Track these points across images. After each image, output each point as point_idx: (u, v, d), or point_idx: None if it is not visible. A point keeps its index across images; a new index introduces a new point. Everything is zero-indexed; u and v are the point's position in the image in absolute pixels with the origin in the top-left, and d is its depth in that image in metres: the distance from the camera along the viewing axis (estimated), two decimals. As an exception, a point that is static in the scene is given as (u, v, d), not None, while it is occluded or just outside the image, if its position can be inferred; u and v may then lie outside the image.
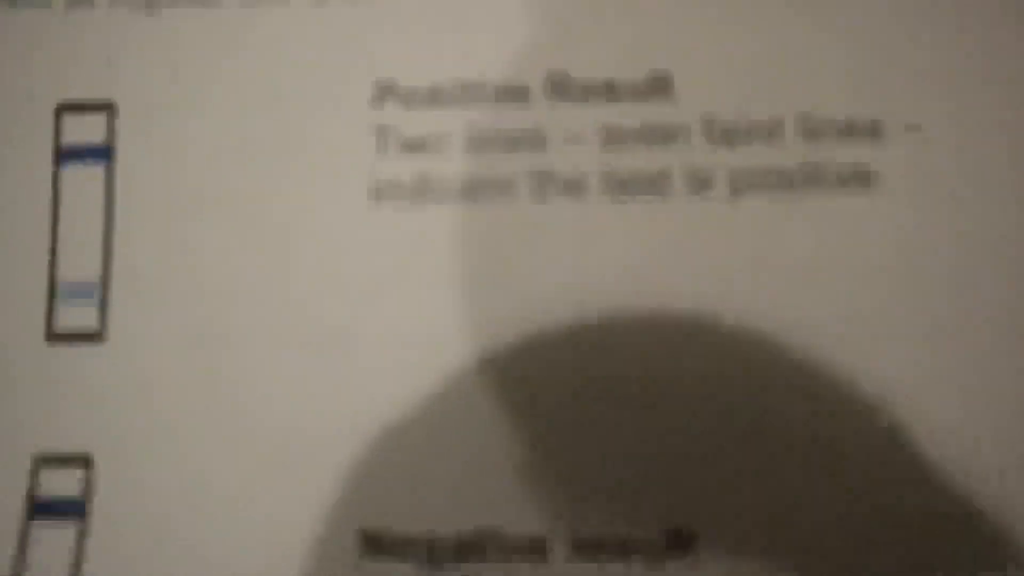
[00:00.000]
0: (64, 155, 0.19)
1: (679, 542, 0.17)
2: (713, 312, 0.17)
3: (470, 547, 0.17)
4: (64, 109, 0.19)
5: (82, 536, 0.18)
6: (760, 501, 0.17)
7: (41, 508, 0.18)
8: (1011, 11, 0.18)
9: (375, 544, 0.17)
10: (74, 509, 0.18)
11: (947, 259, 0.18)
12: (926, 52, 0.18)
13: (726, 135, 0.18)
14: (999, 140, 0.18)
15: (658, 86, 0.18)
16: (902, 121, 0.18)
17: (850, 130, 0.18)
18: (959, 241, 0.18)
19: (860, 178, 0.18)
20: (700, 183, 0.18)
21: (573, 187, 0.18)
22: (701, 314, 0.17)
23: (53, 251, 0.19)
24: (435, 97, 0.18)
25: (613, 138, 0.18)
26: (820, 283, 0.18)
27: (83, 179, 0.19)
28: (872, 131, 0.18)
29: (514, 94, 0.18)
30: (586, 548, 0.17)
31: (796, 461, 0.17)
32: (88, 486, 0.18)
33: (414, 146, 0.18)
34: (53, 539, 0.18)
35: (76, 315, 0.19)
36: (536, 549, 0.17)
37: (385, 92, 0.19)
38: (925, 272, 0.18)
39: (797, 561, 0.17)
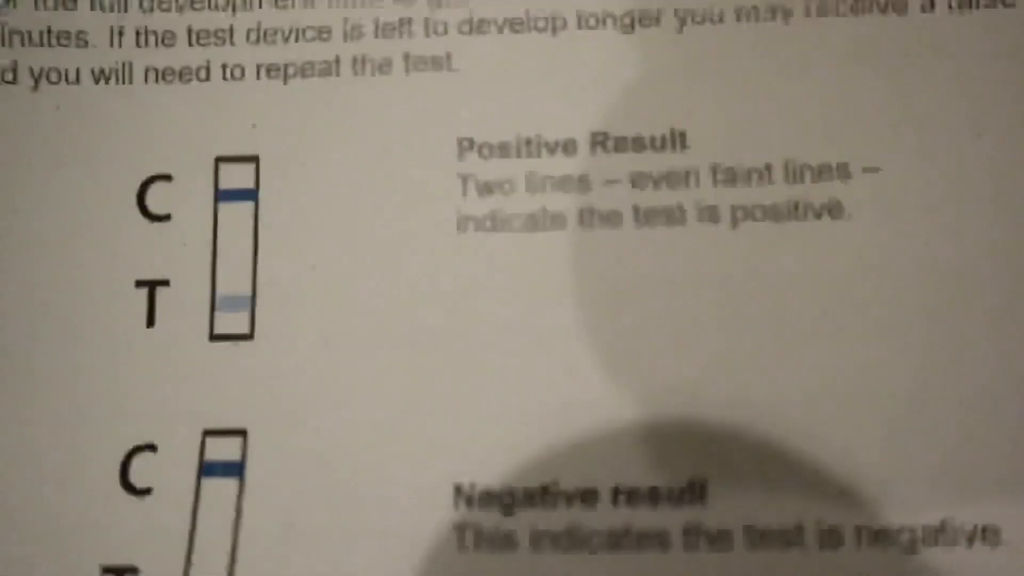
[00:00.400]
0: (222, 195, 0.22)
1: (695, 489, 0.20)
2: (719, 316, 0.20)
3: (535, 497, 0.20)
4: (221, 160, 0.22)
5: (241, 491, 0.21)
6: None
7: (209, 469, 0.21)
8: (951, 70, 0.21)
9: (465, 495, 0.20)
10: (234, 470, 0.21)
11: (903, 275, 0.20)
12: (884, 104, 0.21)
13: (728, 177, 0.21)
14: (946, 176, 0.21)
15: (675, 140, 0.21)
16: (864, 163, 0.21)
17: (824, 172, 0.21)
18: (914, 260, 0.20)
19: (833, 210, 0.21)
20: (709, 215, 0.21)
21: (611, 219, 0.21)
22: (710, 318, 0.21)
23: (214, 270, 0.22)
24: (504, 150, 0.21)
25: (641, 181, 0.21)
26: (802, 292, 0.20)
27: (236, 214, 0.22)
28: (841, 172, 0.21)
29: (565, 147, 0.21)
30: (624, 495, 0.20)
31: (788, 435, 0.20)
32: (244, 452, 0.21)
33: (488, 189, 0.21)
34: (219, 493, 0.21)
35: (232, 321, 0.21)
36: (587, 498, 0.20)
37: (466, 147, 0.21)
38: (885, 284, 0.20)
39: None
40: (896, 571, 0.20)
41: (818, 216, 0.21)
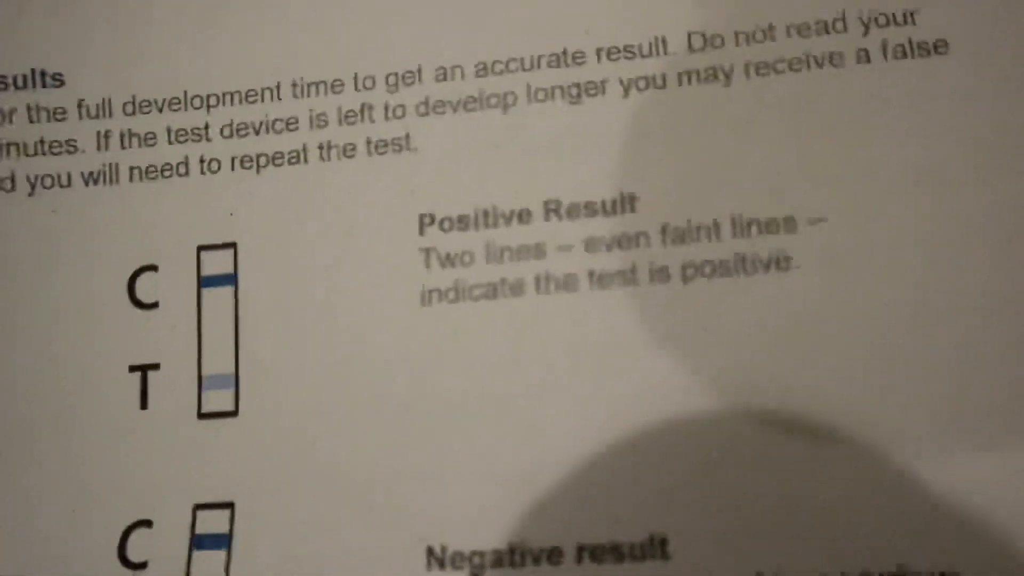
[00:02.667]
0: (204, 282, 0.22)
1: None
2: (674, 373, 0.20)
3: (502, 558, 0.20)
4: (203, 248, 0.22)
5: (228, 562, 0.21)
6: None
7: (199, 543, 0.21)
8: (889, 119, 0.21)
9: (436, 557, 0.20)
10: (223, 542, 0.21)
11: (851, 323, 0.20)
12: (827, 156, 0.21)
13: (677, 236, 0.21)
14: (890, 225, 0.20)
15: (625, 203, 0.21)
16: (810, 215, 0.20)
17: (770, 225, 0.21)
18: (860, 309, 0.20)
19: (780, 262, 0.20)
20: (660, 275, 0.21)
21: (566, 284, 0.21)
22: (665, 375, 0.20)
23: (200, 352, 0.22)
24: (463, 223, 0.22)
25: (594, 245, 0.21)
26: (751, 344, 0.20)
27: (218, 298, 0.22)
28: (787, 225, 0.21)
29: (520, 217, 0.21)
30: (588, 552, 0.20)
31: (745, 480, 0.20)
32: (232, 524, 0.21)
33: (450, 261, 0.22)
34: (209, 565, 0.21)
35: (218, 399, 0.22)
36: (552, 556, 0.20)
37: (427, 222, 0.22)
38: (832, 333, 0.20)
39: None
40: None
41: (766, 269, 0.21)
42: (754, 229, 0.21)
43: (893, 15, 0.21)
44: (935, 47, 0.21)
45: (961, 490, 0.19)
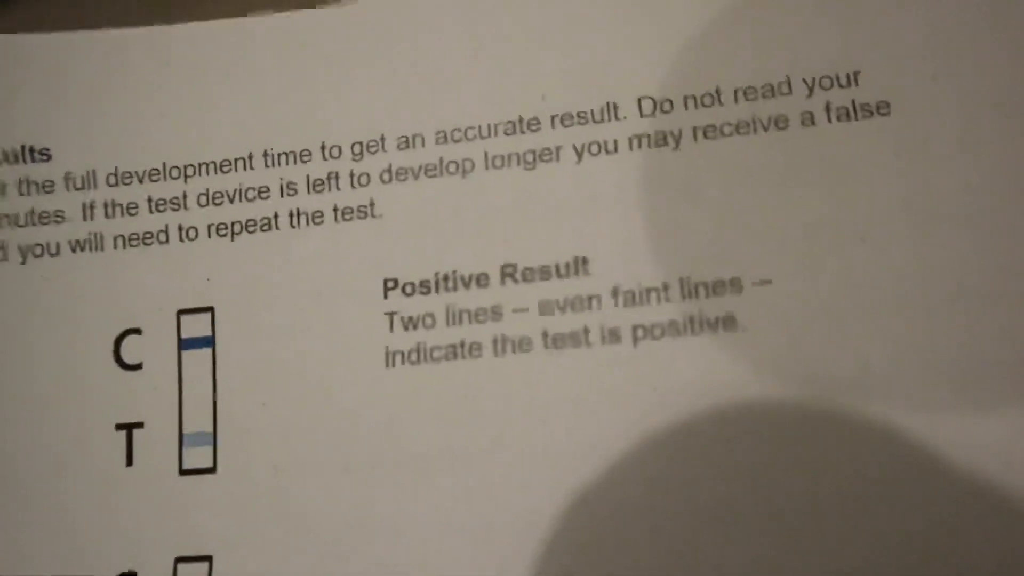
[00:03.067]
0: (184, 344, 0.23)
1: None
2: (624, 433, 0.21)
3: None
4: (182, 312, 0.23)
5: None
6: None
7: None
8: (834, 179, 0.21)
9: None
10: None
11: (797, 383, 0.20)
12: (772, 217, 0.21)
13: (628, 298, 0.21)
14: (836, 283, 0.20)
15: (578, 267, 0.22)
16: (755, 277, 0.21)
17: (717, 287, 0.21)
18: (807, 368, 0.20)
19: (727, 323, 0.21)
20: (611, 336, 0.21)
21: (522, 345, 0.22)
22: (616, 435, 0.21)
23: (180, 411, 0.23)
24: (425, 287, 0.22)
25: (547, 307, 0.22)
26: (701, 405, 0.21)
27: (197, 360, 0.23)
28: (733, 286, 0.21)
29: (478, 280, 0.22)
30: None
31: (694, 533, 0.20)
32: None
33: (413, 324, 0.22)
34: None
35: (198, 456, 0.23)
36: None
37: (391, 286, 0.22)
38: (779, 393, 0.20)
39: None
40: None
41: (713, 330, 0.21)
42: (702, 291, 0.21)
43: (837, 76, 0.21)
44: (877, 108, 0.21)
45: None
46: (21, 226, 0.24)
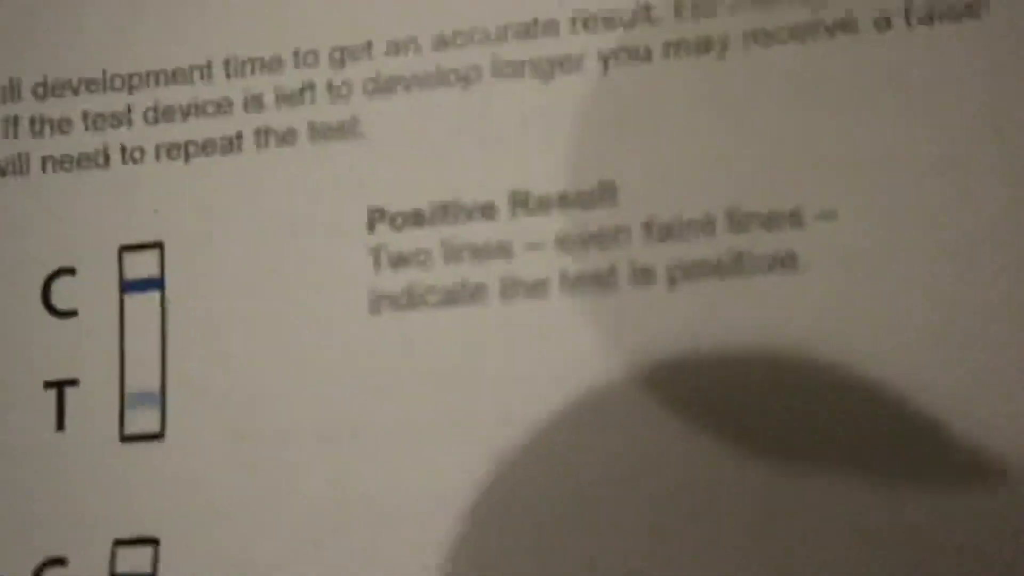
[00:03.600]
0: (126, 286, 0.21)
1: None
2: (657, 392, 0.18)
3: None
4: (125, 249, 0.21)
5: None
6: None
7: None
8: (911, 99, 0.19)
9: None
10: None
11: (867, 333, 0.18)
12: (836, 144, 0.19)
13: (664, 233, 0.19)
14: (911, 219, 0.18)
15: (604, 195, 0.19)
16: (818, 208, 0.18)
17: (773, 220, 0.19)
18: (878, 315, 0.18)
19: (785, 262, 0.18)
20: (643, 277, 0.19)
21: (535, 289, 0.19)
22: (647, 395, 0.18)
23: (122, 366, 0.21)
24: (418, 219, 0.20)
25: (567, 244, 0.19)
26: (748, 358, 0.18)
27: (142, 305, 0.21)
28: (793, 219, 0.19)
29: (483, 211, 0.20)
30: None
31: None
32: (155, 564, 0.20)
33: (403, 261, 0.20)
34: None
35: (142, 419, 0.20)
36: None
37: (377, 217, 0.20)
38: (846, 344, 0.18)
39: None
40: None
41: (769, 270, 0.19)
42: (754, 224, 0.19)
43: (918, -30, 0.19)
44: (967, 9, 0.19)
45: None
46: (-74, 141, 0.22)
